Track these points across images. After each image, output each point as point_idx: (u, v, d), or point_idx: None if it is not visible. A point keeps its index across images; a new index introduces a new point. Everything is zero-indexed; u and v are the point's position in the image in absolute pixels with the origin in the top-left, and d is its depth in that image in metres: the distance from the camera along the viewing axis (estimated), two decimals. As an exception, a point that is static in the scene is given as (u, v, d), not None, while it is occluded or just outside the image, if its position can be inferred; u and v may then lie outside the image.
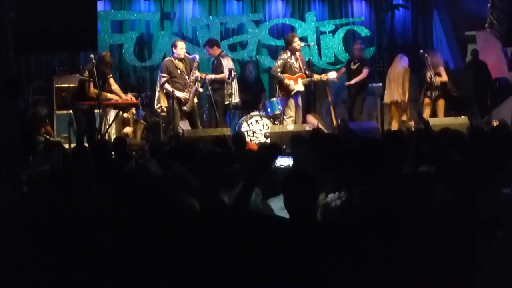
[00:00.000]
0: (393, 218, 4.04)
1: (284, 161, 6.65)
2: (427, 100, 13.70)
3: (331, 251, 3.79)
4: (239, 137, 9.96)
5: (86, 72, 11.61)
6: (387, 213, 4.10)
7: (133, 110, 12.77)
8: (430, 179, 4.82)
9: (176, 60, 12.55)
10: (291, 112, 12.97)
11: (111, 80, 12.01)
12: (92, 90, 11.43)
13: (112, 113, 12.35)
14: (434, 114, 13.62)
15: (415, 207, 4.25)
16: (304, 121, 13.50)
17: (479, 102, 15.28)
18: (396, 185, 4.73)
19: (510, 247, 3.72)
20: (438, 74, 13.63)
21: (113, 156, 8.36)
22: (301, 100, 13.41)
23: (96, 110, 11.71)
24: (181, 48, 12.60)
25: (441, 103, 13.74)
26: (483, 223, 4.07)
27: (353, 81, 13.98)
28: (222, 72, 13.13)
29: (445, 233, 3.92)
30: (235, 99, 13.22)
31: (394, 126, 13.90)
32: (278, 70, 12.86)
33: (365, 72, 14.02)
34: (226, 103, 13.16)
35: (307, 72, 13.21)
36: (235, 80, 13.32)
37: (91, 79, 11.43)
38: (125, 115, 12.72)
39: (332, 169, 5.66)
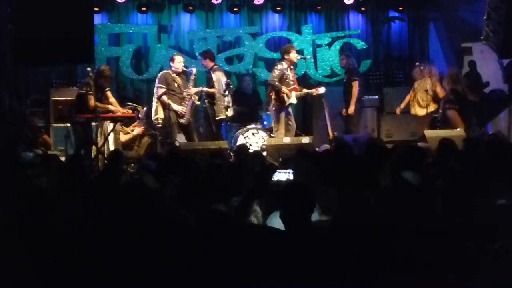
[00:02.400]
0: (390, 227, 4.04)
1: (282, 176, 6.64)
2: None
3: (328, 262, 3.80)
4: (242, 150, 9.93)
5: (87, 86, 11.62)
6: (383, 223, 4.10)
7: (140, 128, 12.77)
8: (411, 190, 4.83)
9: (174, 73, 12.55)
10: (278, 125, 12.89)
11: (109, 93, 12.01)
12: (93, 103, 11.42)
13: (110, 126, 12.32)
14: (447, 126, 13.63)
15: (410, 217, 4.25)
16: (299, 134, 13.45)
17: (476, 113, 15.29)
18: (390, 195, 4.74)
19: (507, 258, 3.72)
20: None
21: (109, 169, 8.36)
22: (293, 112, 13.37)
23: (93, 123, 11.70)
24: (179, 62, 12.61)
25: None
26: (480, 234, 4.08)
27: (352, 103, 13.82)
28: (212, 86, 13.07)
29: (443, 243, 3.93)
30: (231, 112, 13.14)
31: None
32: (276, 80, 12.80)
33: (355, 85, 13.93)
34: (217, 118, 13.01)
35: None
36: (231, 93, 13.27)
37: (91, 92, 11.42)
38: (124, 137, 12.68)
39: (330, 181, 5.67)
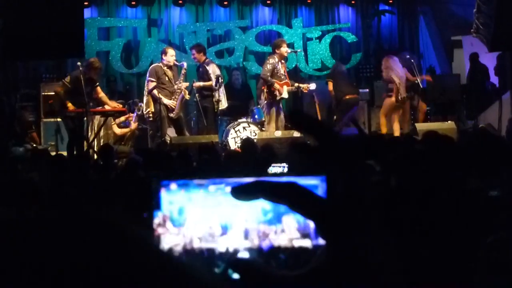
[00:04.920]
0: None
1: (276, 170, 6.64)
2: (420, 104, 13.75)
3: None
4: (249, 143, 9.91)
5: (68, 78, 11.59)
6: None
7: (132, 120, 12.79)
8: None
9: (165, 67, 12.50)
10: (270, 119, 12.91)
11: (98, 89, 11.93)
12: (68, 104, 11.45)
13: (99, 120, 12.29)
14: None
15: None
16: (290, 127, 13.45)
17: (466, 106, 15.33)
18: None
19: (501, 252, 3.72)
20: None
21: (100, 163, 8.34)
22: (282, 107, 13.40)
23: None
24: (171, 55, 12.54)
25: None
26: (471, 227, 4.08)
27: None
28: (209, 79, 13.06)
29: (434, 239, 3.92)
30: (223, 105, 13.15)
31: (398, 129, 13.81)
32: (268, 74, 12.81)
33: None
34: (213, 109, 13.07)
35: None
36: (222, 86, 13.27)
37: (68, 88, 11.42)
38: (118, 131, 12.69)
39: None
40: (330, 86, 14.16)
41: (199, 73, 13.41)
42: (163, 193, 1.14)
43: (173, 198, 1.14)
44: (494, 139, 7.66)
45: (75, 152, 10.83)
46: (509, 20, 11.76)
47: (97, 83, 11.94)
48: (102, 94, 11.98)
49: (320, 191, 1.05)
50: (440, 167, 4.45)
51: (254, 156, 7.85)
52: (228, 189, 1.08)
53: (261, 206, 1.11)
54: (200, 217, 1.14)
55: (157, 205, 1.13)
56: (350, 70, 16.55)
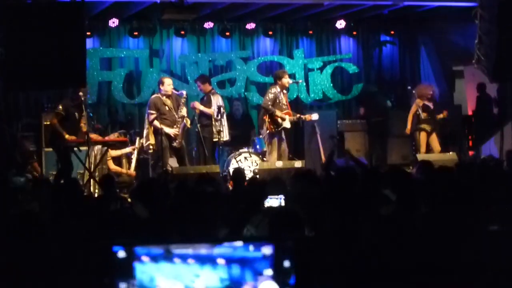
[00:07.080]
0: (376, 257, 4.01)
1: (273, 202, 6.63)
2: (421, 135, 13.74)
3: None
4: (239, 174, 9.91)
5: (60, 106, 11.56)
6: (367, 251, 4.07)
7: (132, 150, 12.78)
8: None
9: (164, 97, 12.53)
10: (271, 149, 12.94)
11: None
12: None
13: (97, 151, 12.24)
14: (428, 149, 13.67)
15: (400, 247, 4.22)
16: (292, 158, 13.46)
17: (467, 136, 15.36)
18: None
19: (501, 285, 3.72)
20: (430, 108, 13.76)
21: (101, 194, 8.32)
22: (286, 137, 13.36)
23: (83, 148, 11.57)
24: (168, 84, 12.60)
25: (434, 138, 13.80)
26: (472, 262, 4.05)
27: None
28: (210, 108, 13.16)
29: (435, 270, 3.91)
30: (225, 137, 13.19)
31: None
32: (269, 103, 12.88)
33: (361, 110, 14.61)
34: (214, 140, 13.11)
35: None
36: (224, 117, 13.31)
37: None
38: (115, 153, 12.65)
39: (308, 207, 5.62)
40: (362, 111, 14.47)
41: (202, 102, 13.49)
42: (137, 264, 1.45)
43: (145, 268, 1.44)
44: (493, 172, 7.64)
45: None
46: (510, 51, 11.81)
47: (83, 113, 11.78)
48: (82, 124, 11.83)
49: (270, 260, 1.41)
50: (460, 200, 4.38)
51: (246, 191, 7.82)
52: (191, 261, 1.51)
53: (219, 275, 1.44)
54: (167, 284, 1.43)
55: (132, 275, 1.44)
56: (351, 101, 16.58)
